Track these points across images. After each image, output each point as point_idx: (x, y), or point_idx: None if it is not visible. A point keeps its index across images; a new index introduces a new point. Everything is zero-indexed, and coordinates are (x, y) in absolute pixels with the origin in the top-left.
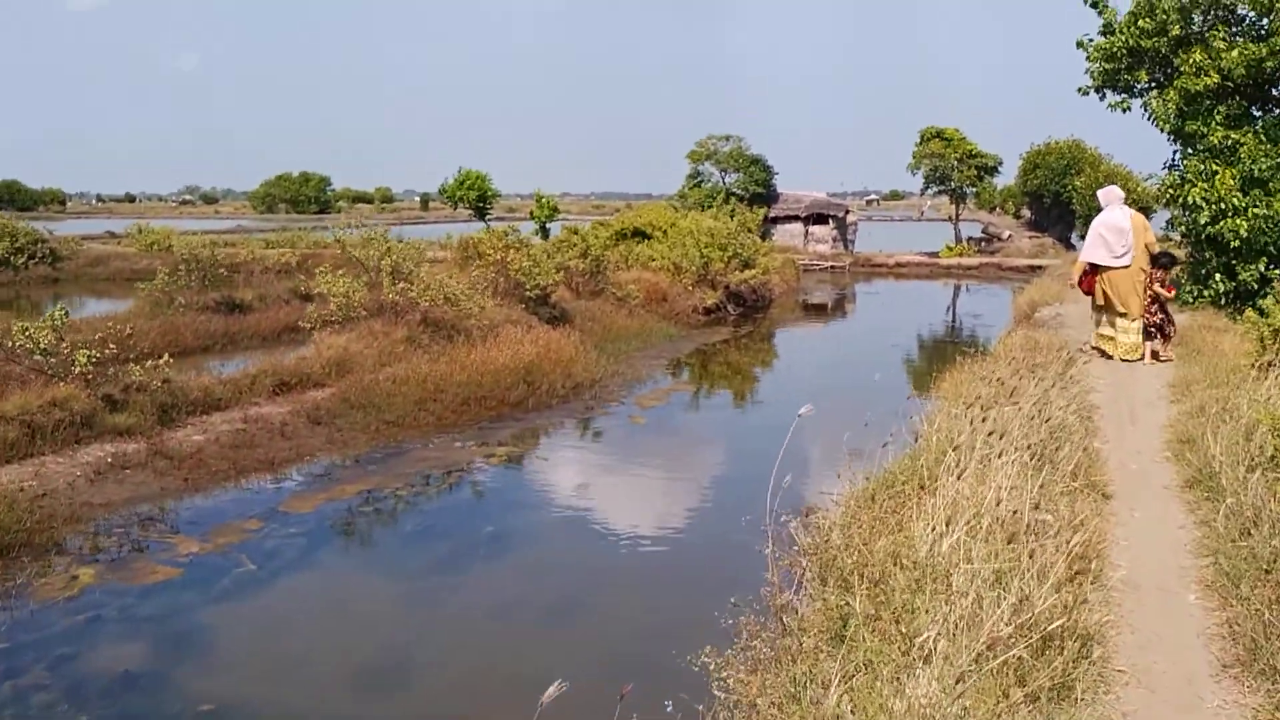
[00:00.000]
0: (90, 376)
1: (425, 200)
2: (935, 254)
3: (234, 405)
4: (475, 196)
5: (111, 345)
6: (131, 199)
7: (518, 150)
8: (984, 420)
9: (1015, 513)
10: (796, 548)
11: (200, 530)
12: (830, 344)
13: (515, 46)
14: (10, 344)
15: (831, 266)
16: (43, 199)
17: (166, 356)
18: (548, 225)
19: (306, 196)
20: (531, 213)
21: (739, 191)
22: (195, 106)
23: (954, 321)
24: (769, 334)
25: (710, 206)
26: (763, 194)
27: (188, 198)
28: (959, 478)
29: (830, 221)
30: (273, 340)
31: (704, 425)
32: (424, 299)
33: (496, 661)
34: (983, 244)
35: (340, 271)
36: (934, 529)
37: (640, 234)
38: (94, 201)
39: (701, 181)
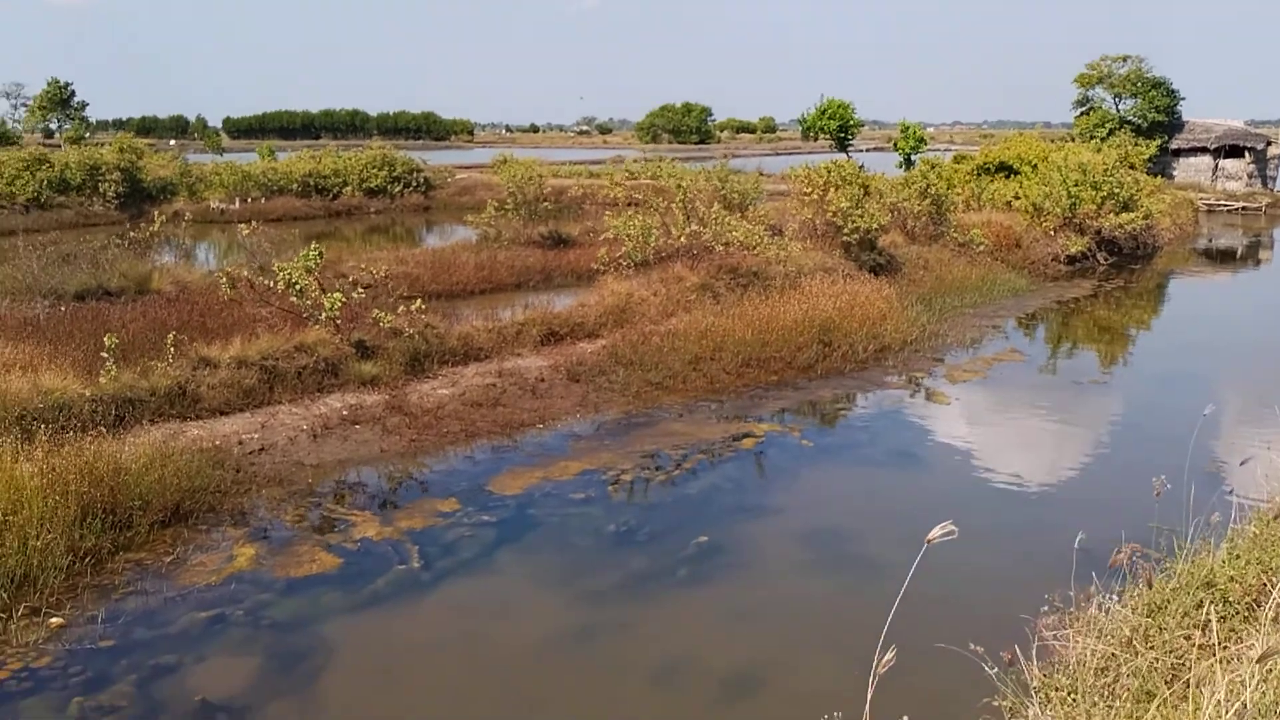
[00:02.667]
0: (340, 321)
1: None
2: None
3: (494, 356)
4: (836, 127)
5: (361, 288)
6: (535, 129)
7: (907, 78)
8: None
9: None
10: None
11: (390, 508)
12: (1240, 299)
13: None
14: (264, 284)
15: (1243, 208)
16: (454, 129)
17: (419, 302)
18: (913, 156)
19: (688, 127)
20: (895, 143)
21: (1135, 120)
22: (595, 41)
23: None
24: (1151, 287)
25: (1096, 137)
26: (1164, 123)
27: (584, 128)
28: None
29: (1246, 155)
30: (588, 278)
31: (1032, 413)
32: (718, 242)
33: None
34: None
35: (631, 213)
36: None
37: (1006, 169)
38: (502, 131)
39: (1091, 108)
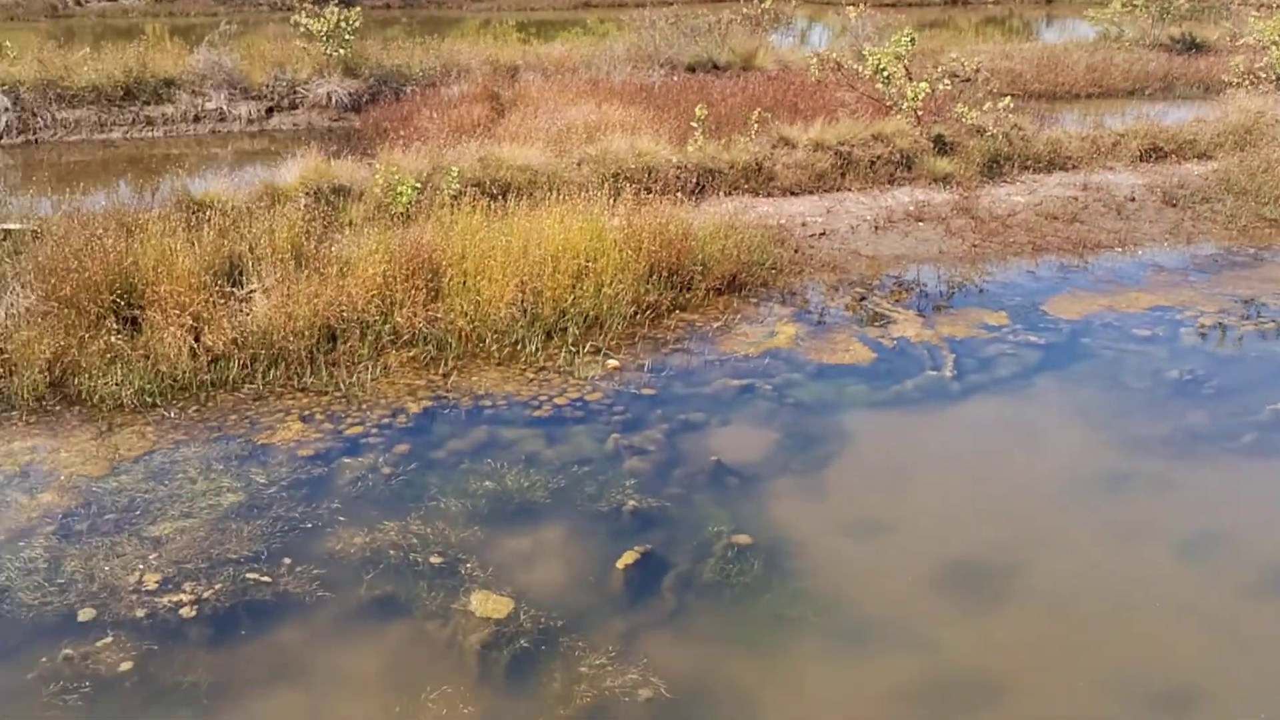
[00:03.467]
0: (921, 113)
1: None
2: None
3: (1081, 167)
4: None
5: (950, 79)
6: None
7: None
8: None
9: None
10: None
11: (936, 311)
12: None
13: None
14: (852, 69)
15: None
16: None
17: (1008, 100)
18: None
19: None
20: None
21: None
22: None
23: None
24: None
25: None
26: None
27: None
28: None
29: None
30: (1216, 91)
31: None
32: None
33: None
34: None
35: None
36: None
37: None
38: None
39: None
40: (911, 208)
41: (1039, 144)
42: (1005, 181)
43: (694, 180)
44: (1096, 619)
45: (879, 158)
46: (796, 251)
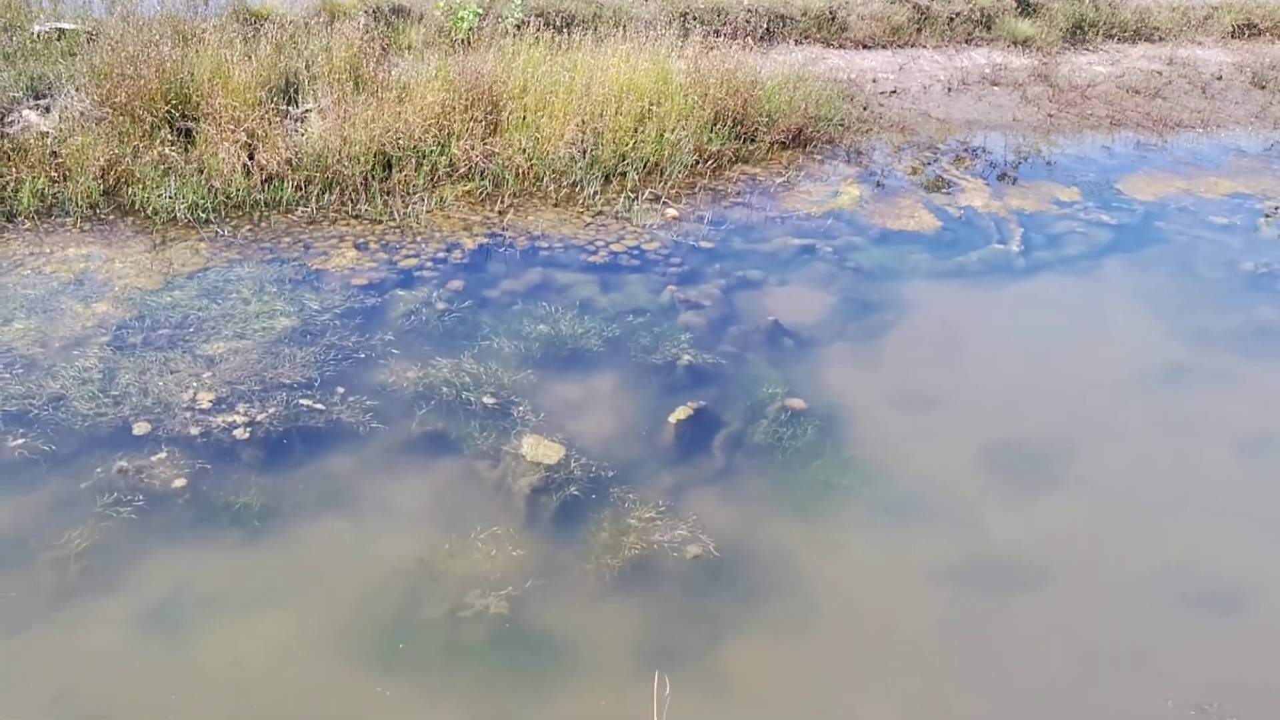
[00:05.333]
0: None
1: None
2: None
3: (1168, 40)
4: None
5: None
6: None
7: None
8: None
9: None
10: None
11: (1006, 182)
12: None
13: None
14: None
15: None
16: None
17: None
18: None
19: None
20: None
21: None
22: None
23: None
24: None
25: None
26: None
27: None
28: None
29: None
30: None
31: None
32: None
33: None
34: None
35: None
36: None
37: None
38: None
39: None
40: (988, 70)
41: (1126, 12)
42: (1087, 49)
43: (764, 26)
44: (1145, 512)
45: (958, 14)
46: (865, 109)
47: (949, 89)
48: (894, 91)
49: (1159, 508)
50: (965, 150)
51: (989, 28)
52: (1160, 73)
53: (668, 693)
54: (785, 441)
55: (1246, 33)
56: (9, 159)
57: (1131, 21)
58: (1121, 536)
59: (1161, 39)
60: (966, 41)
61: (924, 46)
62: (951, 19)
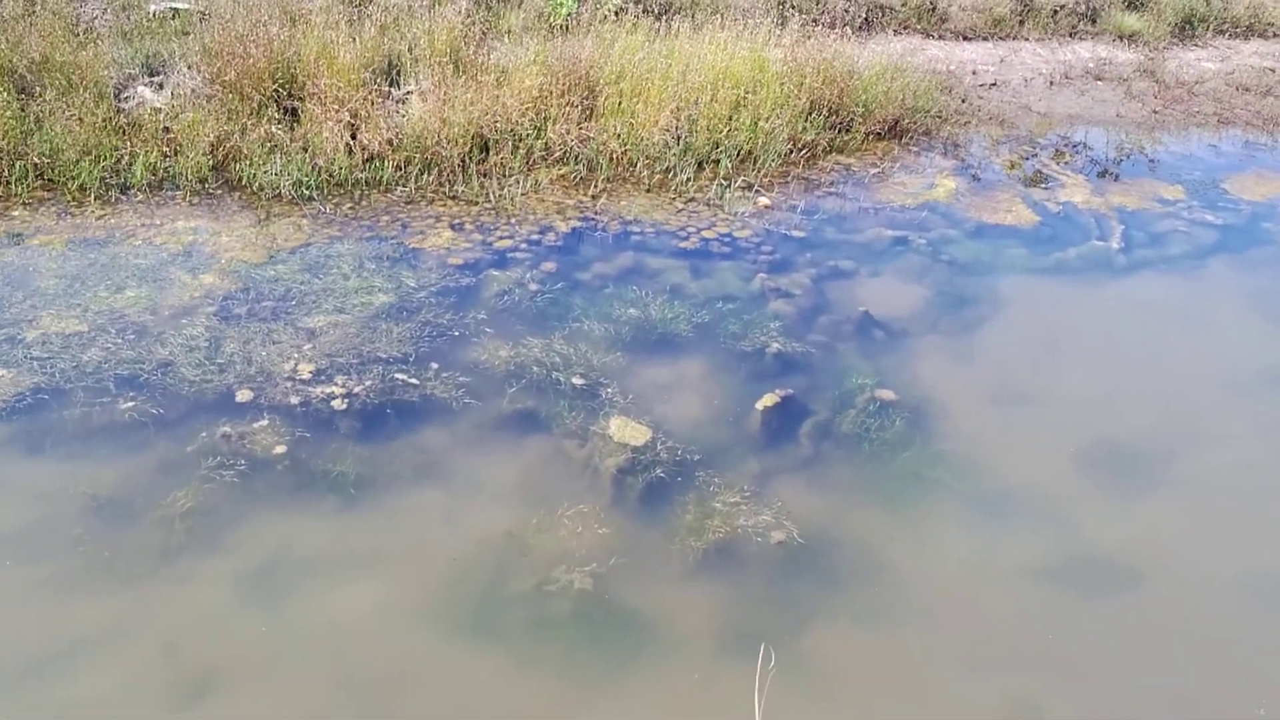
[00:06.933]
0: None
1: None
2: None
3: None
4: None
5: None
6: None
7: None
8: None
9: None
10: None
11: (1108, 178)
12: None
13: None
14: None
15: None
16: None
17: None
18: None
19: None
20: None
21: None
22: None
23: None
24: None
25: None
26: None
27: None
28: None
29: None
30: None
31: None
32: None
33: None
34: None
35: None
36: None
37: None
38: None
39: None
40: (1091, 64)
41: (1239, 6)
42: (1196, 45)
43: (863, 15)
44: (1244, 518)
45: (1062, 6)
46: (964, 101)
47: (1051, 83)
48: (994, 84)
49: (1260, 513)
50: (1066, 145)
51: (1094, 21)
52: (1273, 70)
53: (773, 664)
54: (873, 432)
55: None
56: (124, 134)
57: (1244, 17)
58: (1220, 541)
59: (1276, 35)
60: (1070, 35)
61: (1026, 39)
62: (1055, 11)
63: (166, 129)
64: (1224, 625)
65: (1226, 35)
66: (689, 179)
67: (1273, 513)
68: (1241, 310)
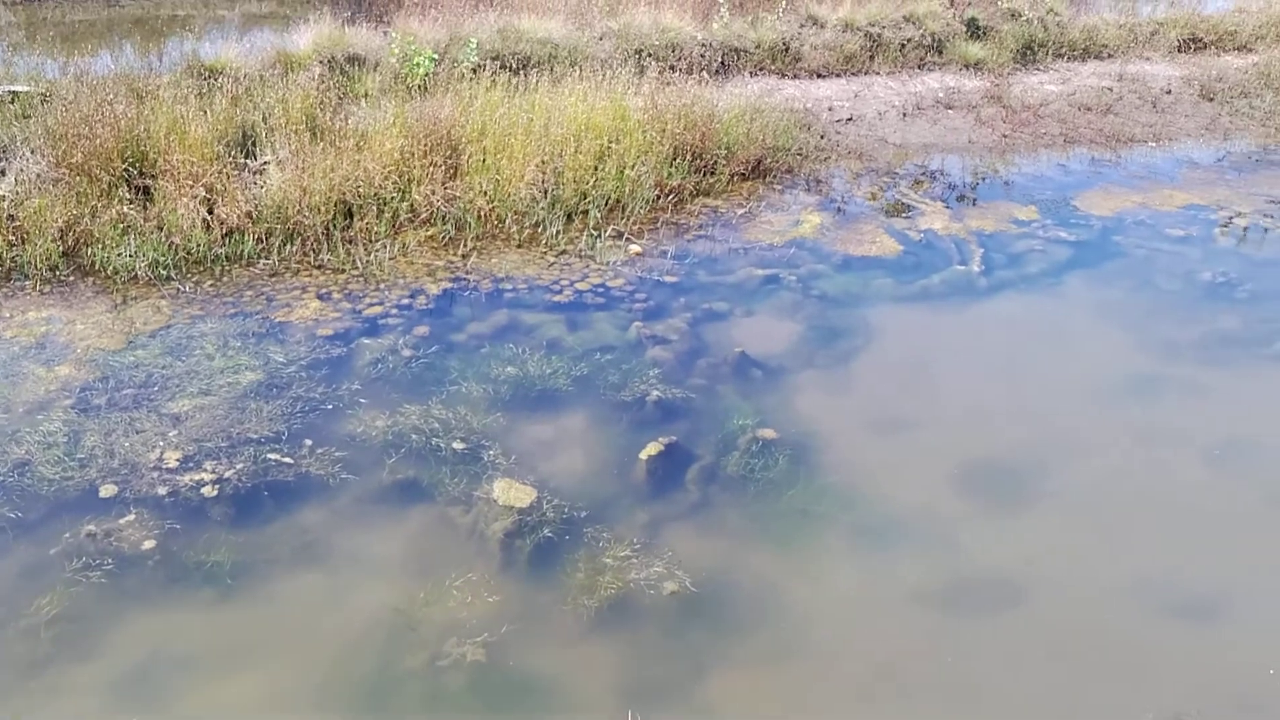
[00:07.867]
0: None
1: None
2: None
3: (1117, 56)
4: None
5: None
6: None
7: None
8: None
9: None
10: None
11: (965, 203)
12: None
13: None
14: None
15: None
16: None
17: None
18: None
19: None
20: None
21: None
22: None
23: None
24: None
25: None
26: None
27: None
28: None
29: None
30: None
31: None
32: None
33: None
34: None
35: None
36: None
37: None
38: None
39: None
40: (941, 94)
41: (1075, 31)
42: (1038, 69)
43: (719, 59)
44: (1120, 525)
45: (909, 40)
46: (823, 137)
47: (904, 114)
48: (850, 119)
49: (1133, 520)
50: (923, 174)
51: (940, 52)
52: (1111, 89)
53: None
54: (758, 472)
55: (1192, 46)
56: None
57: (1080, 40)
58: (1097, 550)
59: (1110, 56)
60: (919, 67)
61: (877, 74)
62: (903, 45)
63: (11, 217)
64: (1107, 633)
65: (1065, 58)
66: (559, 231)
67: (1143, 517)
68: (1099, 322)
